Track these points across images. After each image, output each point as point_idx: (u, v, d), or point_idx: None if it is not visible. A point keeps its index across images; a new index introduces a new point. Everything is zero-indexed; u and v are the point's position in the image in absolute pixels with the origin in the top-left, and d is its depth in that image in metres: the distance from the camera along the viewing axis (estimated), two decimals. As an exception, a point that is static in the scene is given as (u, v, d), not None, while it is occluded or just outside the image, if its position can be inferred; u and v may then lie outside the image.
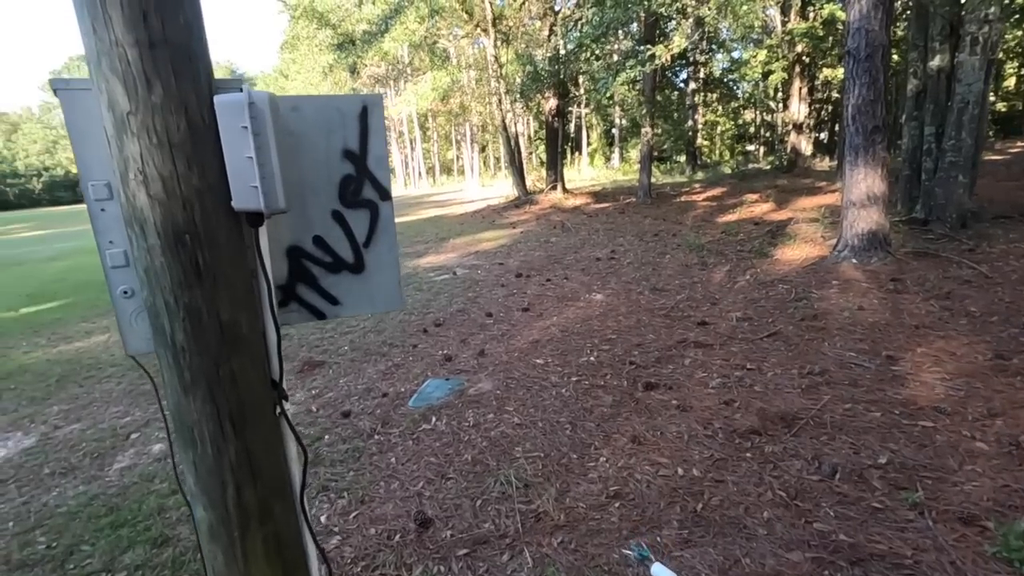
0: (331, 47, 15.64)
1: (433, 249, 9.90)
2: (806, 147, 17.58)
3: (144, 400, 3.97)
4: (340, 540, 2.24)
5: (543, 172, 19.10)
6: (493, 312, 5.37)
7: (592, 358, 3.93)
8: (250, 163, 0.95)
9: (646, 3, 8.69)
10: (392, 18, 14.20)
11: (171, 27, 0.88)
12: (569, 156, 35.02)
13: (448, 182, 41.65)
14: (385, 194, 1.33)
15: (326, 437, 3.15)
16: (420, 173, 41.84)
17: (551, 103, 15.72)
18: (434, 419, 3.21)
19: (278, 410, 1.14)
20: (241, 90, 0.93)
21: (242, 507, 1.08)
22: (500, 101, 16.11)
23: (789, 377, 3.30)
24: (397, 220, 16.05)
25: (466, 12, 15.57)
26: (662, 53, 9.09)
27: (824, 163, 17.65)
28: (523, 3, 15.60)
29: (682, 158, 27.72)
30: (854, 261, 5.41)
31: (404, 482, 2.62)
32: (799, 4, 15.61)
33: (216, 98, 0.93)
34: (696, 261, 6.66)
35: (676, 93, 25.99)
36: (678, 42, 9.00)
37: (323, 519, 2.40)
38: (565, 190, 16.21)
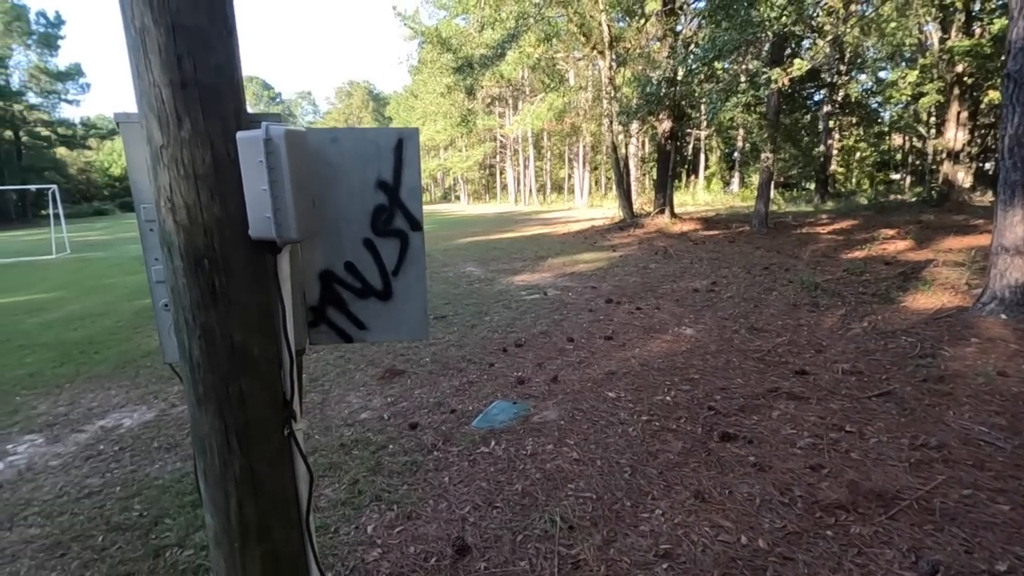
0: (451, 70, 16.52)
1: (529, 267, 9.97)
2: (963, 178, 15.47)
3: (245, 389, 4.37)
4: (379, 554, 2.28)
5: (652, 195, 18.58)
6: (575, 337, 5.26)
7: (668, 398, 3.69)
8: (265, 195, 1.00)
9: (769, 23, 8.15)
10: (509, 43, 14.71)
11: (202, 69, 0.95)
12: (684, 179, 33.81)
13: (557, 201, 41.97)
14: (416, 225, 1.34)
15: (390, 447, 3.24)
16: (531, 191, 42.59)
17: (665, 125, 15.30)
18: (493, 443, 3.18)
19: (287, 430, 1.17)
20: (260, 126, 0.98)
21: (243, 521, 1.12)
22: (611, 122, 15.98)
23: (896, 447, 2.86)
24: (502, 236, 16.42)
25: (583, 35, 15.70)
26: (779, 77, 8.47)
27: (985, 198, 15.39)
28: (643, 24, 15.41)
29: (811, 185, 25.64)
30: (1002, 317, 4.60)
31: (452, 504, 2.62)
32: (962, 20, 13.86)
33: (238, 134, 1.00)
34: (807, 301, 6.06)
35: (807, 116, 24.15)
36: (799, 65, 8.33)
37: (369, 529, 2.46)
38: (673, 214, 15.62)
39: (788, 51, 11.94)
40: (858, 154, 29.15)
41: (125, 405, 4.19)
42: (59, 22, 44.39)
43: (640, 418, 3.40)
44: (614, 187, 20.26)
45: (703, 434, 3.14)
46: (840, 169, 28.50)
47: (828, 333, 4.89)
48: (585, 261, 10.42)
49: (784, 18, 8.02)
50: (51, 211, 19.58)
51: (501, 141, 47.88)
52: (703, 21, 12.93)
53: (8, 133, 43.22)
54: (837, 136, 24.38)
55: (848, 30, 9.32)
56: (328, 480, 2.91)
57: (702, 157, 34.63)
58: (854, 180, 29.71)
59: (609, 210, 23.98)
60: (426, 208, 45.66)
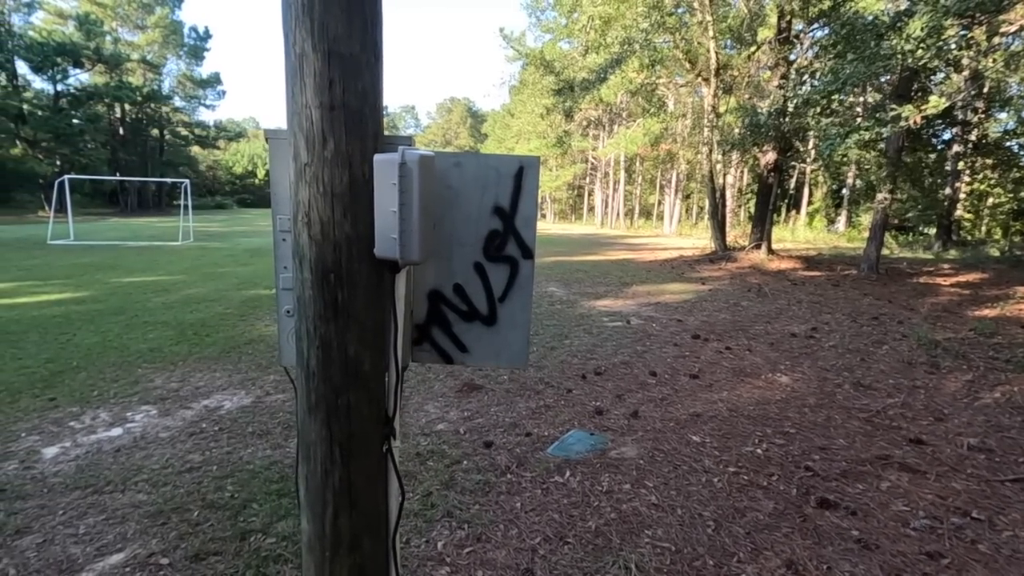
0: (551, 91, 16.73)
1: (613, 293, 9.79)
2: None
3: (332, 386, 4.57)
4: (447, 573, 2.27)
5: (748, 228, 17.72)
6: (658, 372, 5.06)
7: (759, 450, 3.43)
8: (394, 216, 1.02)
9: (900, 56, 7.51)
10: (612, 67, 14.70)
11: (350, 93, 1.00)
12: (784, 214, 32.01)
13: (645, 226, 41.13)
14: (528, 253, 1.32)
15: (464, 462, 3.25)
16: (618, 214, 42.07)
17: (769, 157, 14.59)
18: (568, 473, 3.10)
19: (385, 447, 1.19)
20: (396, 149, 1.01)
21: (336, 531, 1.14)
22: (711, 151, 15.47)
23: (1037, 546, 2.46)
24: (586, 258, 16.30)
25: (689, 61, 15.39)
26: (911, 114, 7.77)
27: None
28: (753, 52, 14.87)
29: (931, 231, 23.37)
30: None
31: (523, 531, 2.56)
32: None
33: (376, 156, 1.03)
34: (924, 360, 5.46)
35: (933, 155, 22.07)
36: (934, 102, 7.60)
37: (440, 545, 2.46)
38: (770, 250, 14.78)
39: (916, 85, 11.02)
40: (991, 200, 26.21)
41: (227, 388, 4.52)
42: (207, 36, 49.92)
43: (726, 469, 3.18)
44: (707, 217, 19.54)
45: (798, 497, 2.88)
46: (968, 215, 25.75)
47: (950, 400, 4.36)
48: (671, 291, 10.07)
49: (921, 51, 7.39)
50: (182, 202, 21.86)
51: (593, 163, 47.82)
52: (820, 51, 12.25)
53: (155, 132, 48.97)
54: (967, 179, 22.09)
55: (991, 64, 8.42)
56: (405, 485, 2.95)
57: (805, 192, 32.64)
58: (984, 228, 26.71)
59: (699, 240, 23.14)
60: (512, 224, 46.29)
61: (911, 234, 25.15)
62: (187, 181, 21.96)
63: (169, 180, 33.31)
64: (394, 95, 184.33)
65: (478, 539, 2.50)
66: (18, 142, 37.96)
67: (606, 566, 2.31)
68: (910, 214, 25.13)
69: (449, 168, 1.25)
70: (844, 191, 30.01)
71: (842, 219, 29.84)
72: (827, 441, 3.58)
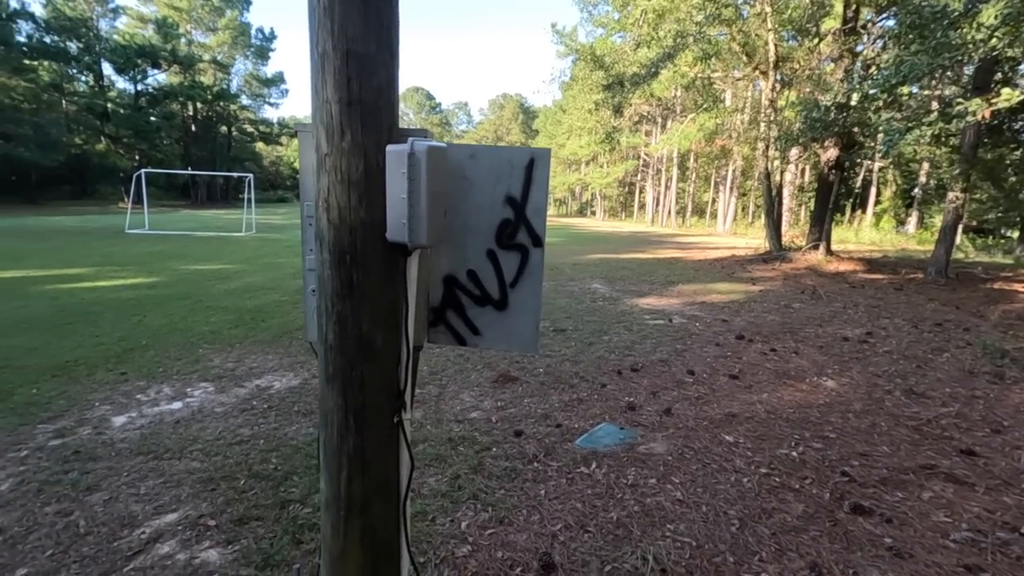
0: (601, 87, 16.54)
1: (657, 291, 9.65)
2: None
3: (374, 372, 4.76)
4: (469, 551, 2.35)
5: (805, 228, 17.00)
6: (696, 371, 4.99)
7: (795, 453, 3.35)
8: (404, 203, 1.10)
9: (973, 46, 6.98)
10: (664, 62, 14.38)
11: (365, 90, 1.08)
12: (848, 214, 30.47)
13: (697, 225, 40.08)
14: (538, 241, 1.38)
15: (493, 449, 3.34)
16: (670, 212, 41.17)
17: (830, 153, 13.93)
18: (594, 465, 3.13)
19: (396, 419, 1.27)
20: (407, 141, 1.09)
21: (350, 493, 1.24)
22: (767, 147, 14.92)
23: (1093, 567, 2.31)
24: (633, 256, 16.09)
25: (746, 54, 14.87)
26: (978, 108, 7.22)
27: None
28: (816, 44, 14.21)
29: (1013, 234, 21.70)
30: None
31: (544, 518, 2.62)
32: None
33: (388, 147, 1.11)
34: (988, 370, 5.13)
35: (1018, 151, 20.40)
36: (1007, 95, 7.03)
37: (463, 525, 2.55)
38: (829, 251, 14.13)
39: (1000, 76, 10.23)
40: (1085, 201, 24.02)
41: (277, 370, 4.79)
42: (272, 37, 52.17)
43: (758, 470, 3.12)
44: (762, 215, 18.87)
45: (831, 501, 2.80)
46: (1057, 217, 23.69)
47: (1012, 412, 4.10)
48: (719, 291, 9.82)
49: (995, 40, 6.85)
50: (246, 196, 23.03)
51: (644, 160, 46.97)
52: (889, 42, 11.58)
53: (224, 129, 51.63)
54: (1057, 178, 20.32)
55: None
56: (433, 470, 3.07)
57: (873, 191, 30.92)
58: (1076, 232, 24.52)
59: (753, 240, 22.36)
60: (560, 221, 46.33)
61: (991, 237, 23.42)
62: (251, 175, 23.12)
63: (235, 175, 35.13)
64: (447, 92, 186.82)
65: (500, 522, 2.58)
66: (102, 138, 40.96)
67: (624, 556, 2.34)
68: (990, 216, 23.42)
69: (464, 160, 1.33)
70: (916, 190, 28.23)
71: (912, 220, 28.12)
72: (869, 447, 3.45)
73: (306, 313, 1.40)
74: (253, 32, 51.06)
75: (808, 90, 15.26)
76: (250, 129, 55.15)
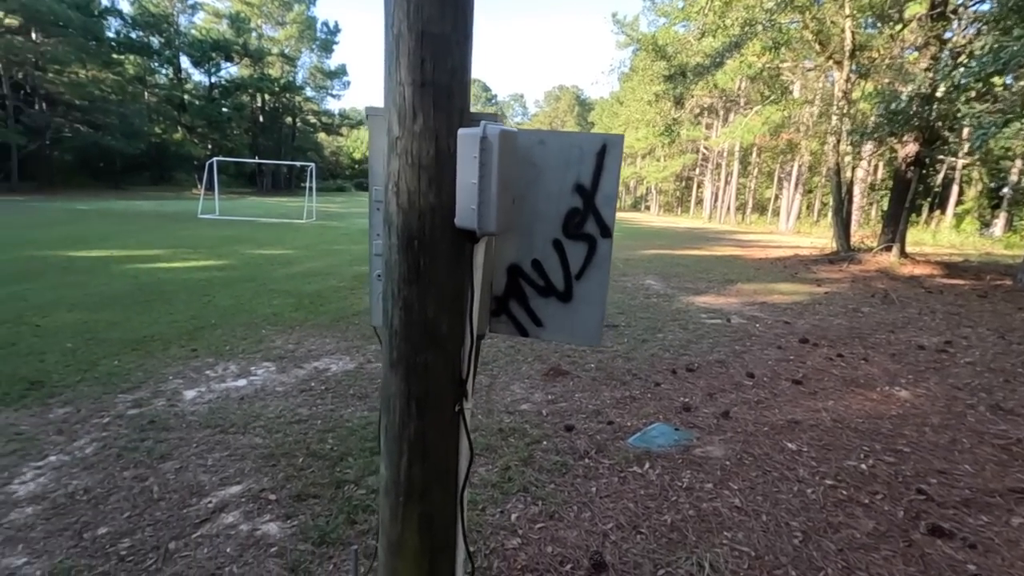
0: (662, 78, 16.06)
1: (714, 290, 9.33)
2: None
3: (426, 360, 4.82)
4: (519, 544, 2.34)
5: (877, 228, 16.00)
6: (756, 374, 4.78)
7: (864, 466, 3.15)
8: (474, 188, 1.07)
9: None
10: (730, 51, 13.79)
11: (439, 72, 1.06)
12: (925, 215, 28.51)
13: (758, 222, 38.53)
14: (606, 231, 1.33)
15: (544, 443, 3.31)
16: (729, 208, 39.76)
17: (909, 148, 13.01)
18: (647, 465, 3.05)
19: (457, 407, 1.26)
20: (479, 125, 1.06)
21: (410, 479, 1.24)
22: (839, 141, 14.10)
23: None
24: (689, 252, 15.68)
25: (819, 43, 14.07)
26: None
27: None
28: (899, 31, 13.26)
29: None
30: None
31: (596, 516, 2.57)
32: None
33: (460, 131, 1.09)
34: (1089, 388, 4.66)
35: None
36: None
37: (513, 517, 2.54)
38: (903, 253, 13.25)
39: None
40: None
41: (334, 353, 4.94)
42: (336, 30, 53.69)
43: (823, 481, 2.96)
44: (830, 214, 17.90)
45: (905, 520, 2.62)
46: None
47: (1119, 436, 3.70)
48: (781, 292, 9.39)
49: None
50: (308, 184, 23.90)
51: (703, 153, 45.49)
52: (984, 27, 10.65)
53: (289, 119, 53.67)
54: None
55: None
56: (483, 460, 3.08)
57: (954, 190, 28.75)
58: None
59: (819, 239, 21.28)
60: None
61: (1092, 243, 21.32)
62: (313, 165, 23.97)
63: (298, 163, 36.50)
64: (503, 83, 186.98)
65: (551, 516, 2.55)
66: (179, 128, 43.45)
67: (678, 560, 2.26)
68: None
69: (533, 146, 1.29)
70: (1005, 189, 26.03)
71: (999, 222, 25.96)
72: (948, 465, 3.20)
73: (371, 298, 1.40)
74: (319, 26, 52.75)
75: (887, 80, 14.29)
76: (313, 120, 57.13)
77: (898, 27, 13.25)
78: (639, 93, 30.56)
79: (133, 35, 39.77)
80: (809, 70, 16.49)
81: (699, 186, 49.82)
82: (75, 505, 2.50)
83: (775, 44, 13.82)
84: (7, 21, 29.83)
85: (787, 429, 3.63)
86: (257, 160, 31.86)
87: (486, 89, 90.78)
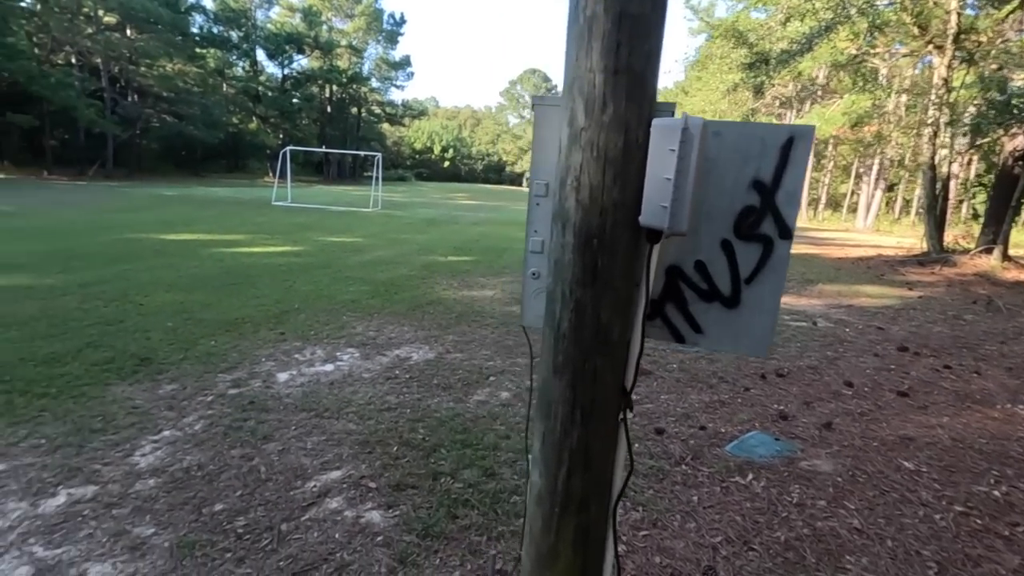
0: (741, 66, 15.30)
1: (794, 290, 8.85)
2: None
3: (505, 352, 4.80)
4: (624, 550, 2.26)
5: (974, 227, 14.73)
6: (855, 383, 4.47)
7: (997, 492, 2.86)
8: (667, 184, 0.99)
9: None
10: (819, 36, 12.94)
11: (634, 56, 0.97)
12: (1028, 213, 26.04)
13: (831, 219, 36.46)
14: (786, 232, 1.21)
15: (636, 445, 3.20)
16: (800, 203, 37.76)
17: (1017, 141, 11.86)
18: (750, 476, 2.89)
19: (620, 416, 1.18)
20: (673, 114, 0.97)
21: (568, 490, 1.17)
22: (936, 133, 13.03)
23: None
24: (760, 249, 15.02)
25: (918, 27, 12.99)
26: None
27: None
28: (1014, 9, 12.03)
29: None
30: None
31: (701, 527, 2.45)
32: None
33: (655, 121, 1.00)
34: None
35: None
36: None
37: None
38: (1006, 256, 12.13)
39: None
40: None
41: (413, 342, 5.00)
42: (402, 21, 54.62)
43: (951, 506, 2.70)
44: (916, 212, 16.63)
45: (1055, 557, 2.35)
46: None
47: None
48: (868, 294, 8.81)
49: None
50: (373, 174, 24.52)
51: (774, 146, 43.23)
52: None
53: (354, 110, 55.20)
54: None
55: None
56: (575, 459, 3.01)
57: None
58: None
59: (903, 238, 19.88)
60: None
61: None
62: (380, 154, 24.56)
63: (362, 153, 37.53)
64: (559, 73, 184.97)
65: (654, 524, 2.45)
66: (254, 118, 45.54)
67: (799, 583, 2.12)
68: None
69: (708, 138, 1.18)
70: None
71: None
72: (1098, 498, 2.86)
73: (524, 296, 1.34)
74: (385, 17, 53.82)
75: (995, 67, 13.05)
76: (377, 111, 58.53)
77: (1012, 8, 12.03)
78: (712, 83, 29.33)
79: (215, 30, 41.93)
80: (903, 55, 15.29)
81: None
82: (191, 480, 2.61)
83: (871, 27, 12.85)
84: (106, 19, 32.12)
85: (900, 446, 3.35)
86: (325, 149, 33.00)
87: (546, 79, 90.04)
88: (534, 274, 1.30)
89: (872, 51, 15.86)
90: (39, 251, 8.15)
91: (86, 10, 30.94)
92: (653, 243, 1.10)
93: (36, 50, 28.98)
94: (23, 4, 28.77)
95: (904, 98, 19.28)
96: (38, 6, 29.34)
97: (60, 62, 31.50)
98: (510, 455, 2.99)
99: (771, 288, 1.24)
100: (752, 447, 3.19)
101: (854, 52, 14.10)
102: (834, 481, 2.89)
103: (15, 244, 8.65)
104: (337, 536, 2.27)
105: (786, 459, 3.10)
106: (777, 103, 33.40)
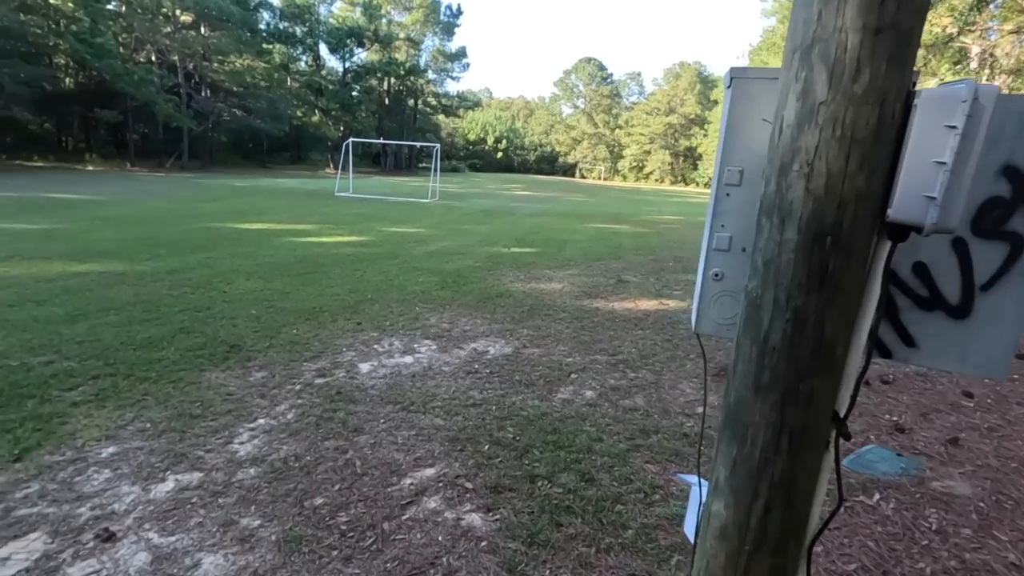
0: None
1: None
2: None
3: (583, 349, 4.64)
4: (749, 575, 2.07)
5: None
6: (975, 393, 4.05)
7: None
8: (936, 170, 0.80)
9: None
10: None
11: (903, 10, 0.79)
12: None
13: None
14: (1044, 230, 0.99)
15: (739, 455, 2.98)
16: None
17: None
18: (877, 496, 2.62)
19: (831, 443, 1.01)
20: (944, 82, 0.78)
21: (764, 527, 1.01)
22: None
23: None
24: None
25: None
26: None
27: None
28: None
29: None
30: None
31: (831, 551, 2.23)
32: None
33: (923, 92, 0.81)
34: None
35: None
36: None
37: (731, 541, 2.27)
38: None
39: None
40: None
41: (488, 335, 4.91)
42: (459, 13, 54.76)
43: (1126, 544, 2.36)
44: None
45: None
46: None
47: None
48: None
49: None
50: (431, 165, 24.76)
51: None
52: None
53: (411, 102, 55.97)
54: None
55: None
56: (675, 465, 2.83)
57: None
58: None
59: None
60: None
61: None
62: (438, 145, 24.77)
63: (419, 144, 38.01)
64: (619, 61, 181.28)
65: (775, 546, 2.24)
66: (316, 111, 46.93)
67: (958, 626, 1.87)
68: None
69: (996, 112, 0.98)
70: None
71: None
72: None
73: (699, 300, 1.18)
74: (442, 9, 54.12)
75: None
76: (433, 102, 59.13)
77: None
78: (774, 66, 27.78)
79: (280, 25, 43.38)
80: (1009, 32, 13.90)
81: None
82: (290, 471, 2.61)
83: (975, 4, 11.71)
84: (183, 18, 33.79)
85: (1045, 468, 2.98)
86: (383, 141, 33.64)
87: (601, 68, 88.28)
88: (716, 275, 1.14)
89: (969, 28, 14.51)
90: (128, 238, 8.61)
91: (165, 10, 32.64)
92: (897, 242, 0.91)
93: (121, 49, 30.83)
94: (110, 7, 30.67)
95: (1007, 79, 17.58)
96: (123, 8, 31.20)
97: (141, 60, 33.44)
98: (606, 460, 2.84)
99: (1016, 298, 1.02)
100: (872, 462, 2.91)
101: (954, 31, 12.91)
102: (976, 506, 2.58)
103: (107, 231, 9.19)
104: (440, 539, 2.19)
105: (914, 478, 2.80)
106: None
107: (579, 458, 2.84)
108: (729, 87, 1.05)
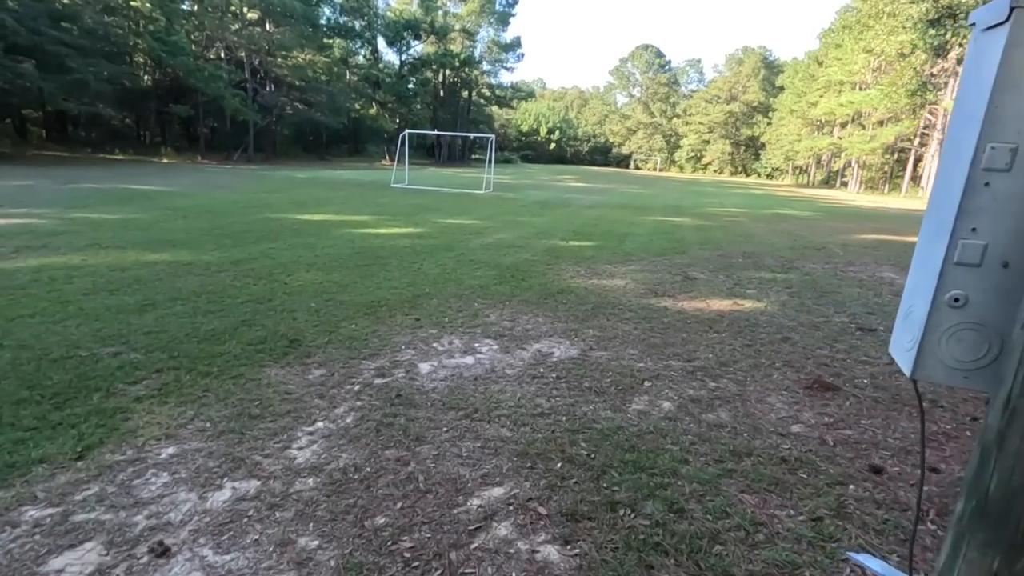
0: (917, 24, 13.11)
1: None
2: None
3: (654, 353, 4.29)
4: (889, 648, 1.71)
5: None
6: None
7: None
8: None
9: None
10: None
11: None
12: None
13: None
14: None
15: (851, 487, 2.59)
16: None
17: None
18: (1034, 551, 2.18)
19: None
20: None
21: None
22: None
23: None
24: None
25: None
26: None
27: None
28: None
29: None
30: None
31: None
32: None
33: None
34: None
35: None
36: None
37: (857, 599, 1.91)
38: None
39: None
40: None
41: (552, 335, 4.63)
42: (514, 3, 54.31)
43: None
44: None
45: None
46: None
47: None
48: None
49: None
50: (486, 156, 24.62)
51: (928, 120, 37.78)
52: None
53: (465, 93, 56.11)
54: None
55: None
56: (776, 499, 2.46)
57: None
58: None
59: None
60: (802, 192, 40.43)
61: None
62: (493, 137, 24.63)
63: (472, 135, 37.99)
64: (677, 49, 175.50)
65: (914, 609, 1.87)
66: (373, 104, 47.80)
67: None
68: None
69: None
70: None
71: None
72: None
73: (921, 334, 0.85)
74: (497, 0, 53.80)
75: None
76: (487, 93, 59.07)
77: None
78: (853, 48, 25.73)
79: (340, 20, 44.33)
80: None
81: (918, 160, 41.79)
82: (349, 484, 2.43)
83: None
84: (250, 15, 35.02)
85: None
86: (438, 132, 33.84)
87: (659, 55, 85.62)
88: (956, 300, 0.80)
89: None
90: (196, 228, 8.85)
91: (233, 7, 33.91)
92: None
93: (193, 46, 32.29)
94: (183, 6, 32.13)
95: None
96: (195, 6, 32.61)
97: (211, 56, 34.92)
98: (695, 487, 2.51)
99: None
100: (1019, 506, 2.44)
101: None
102: None
103: (178, 222, 9.49)
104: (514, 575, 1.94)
105: (1077, 529, 2.32)
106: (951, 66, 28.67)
107: (664, 483, 2.52)
108: (1005, 23, 0.70)
